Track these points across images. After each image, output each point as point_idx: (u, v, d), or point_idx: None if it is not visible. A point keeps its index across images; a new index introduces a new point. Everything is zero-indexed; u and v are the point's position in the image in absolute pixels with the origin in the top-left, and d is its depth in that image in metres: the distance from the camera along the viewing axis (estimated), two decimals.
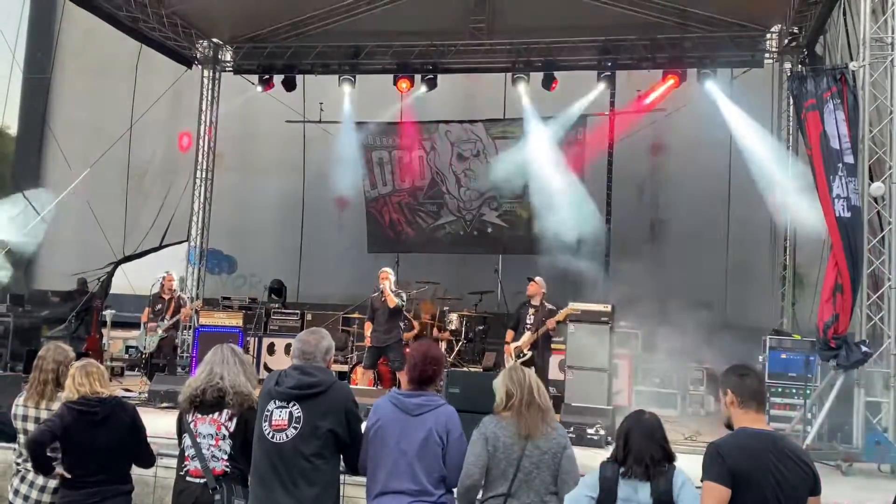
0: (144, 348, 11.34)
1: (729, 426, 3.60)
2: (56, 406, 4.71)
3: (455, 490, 4.10)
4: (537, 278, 10.46)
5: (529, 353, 10.01)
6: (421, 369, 4.15)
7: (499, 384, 4.26)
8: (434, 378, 4.22)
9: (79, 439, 4.41)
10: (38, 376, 4.80)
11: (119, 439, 4.47)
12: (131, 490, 4.64)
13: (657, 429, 3.76)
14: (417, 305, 12.69)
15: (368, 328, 10.71)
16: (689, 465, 3.80)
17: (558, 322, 10.13)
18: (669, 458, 3.74)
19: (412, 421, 4.02)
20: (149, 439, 4.68)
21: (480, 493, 4.12)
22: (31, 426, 4.72)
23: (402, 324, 10.97)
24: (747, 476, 3.35)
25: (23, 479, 4.72)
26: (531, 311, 10.26)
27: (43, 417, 4.70)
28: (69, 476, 4.43)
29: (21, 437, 4.78)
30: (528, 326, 10.17)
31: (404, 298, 10.70)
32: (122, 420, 4.49)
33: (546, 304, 10.27)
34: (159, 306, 11.44)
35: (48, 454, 4.44)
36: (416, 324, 12.10)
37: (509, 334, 10.35)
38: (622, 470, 3.68)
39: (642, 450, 3.67)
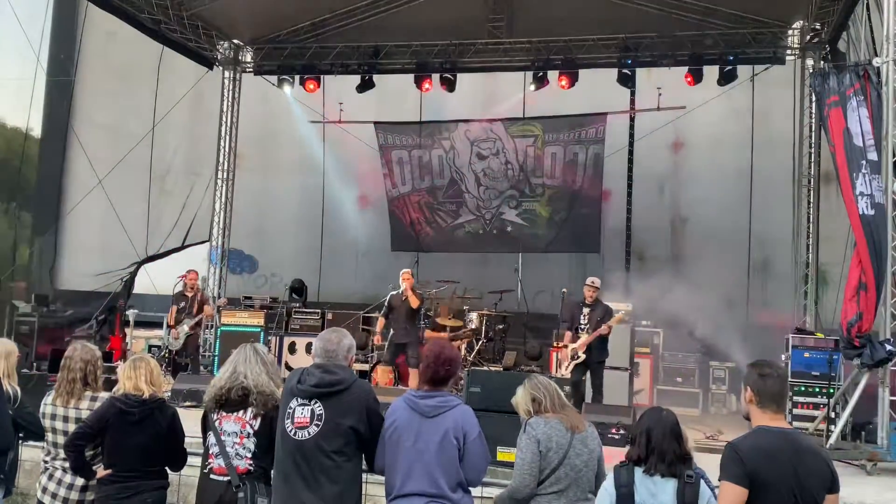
0: (171, 347, 11.45)
1: (748, 418, 3.62)
2: (84, 404, 4.78)
3: (478, 490, 4.12)
4: (594, 280, 10.14)
5: (583, 356, 9.72)
6: (434, 370, 4.09)
7: (520, 395, 4.30)
8: (448, 378, 4.14)
9: (115, 436, 4.49)
10: (66, 375, 4.84)
11: (153, 442, 4.53)
12: (166, 486, 4.70)
13: (676, 425, 3.75)
14: (437, 305, 12.71)
15: (381, 324, 10.97)
16: (711, 464, 3.78)
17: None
18: (688, 455, 3.74)
19: (428, 423, 3.98)
20: None
21: None
22: (59, 424, 4.79)
23: (420, 323, 11.23)
24: (765, 476, 3.34)
25: (51, 477, 4.79)
26: (585, 310, 9.90)
27: (72, 416, 4.76)
28: (109, 473, 4.50)
29: (49, 436, 4.85)
30: (583, 327, 9.86)
31: (423, 299, 11.04)
32: (158, 424, 4.54)
33: (602, 301, 10.03)
34: (183, 304, 11.54)
35: (86, 455, 4.54)
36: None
37: (567, 336, 9.93)
38: (644, 468, 3.67)
39: (664, 447, 3.66)
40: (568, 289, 11.72)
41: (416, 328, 10.92)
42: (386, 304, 10.98)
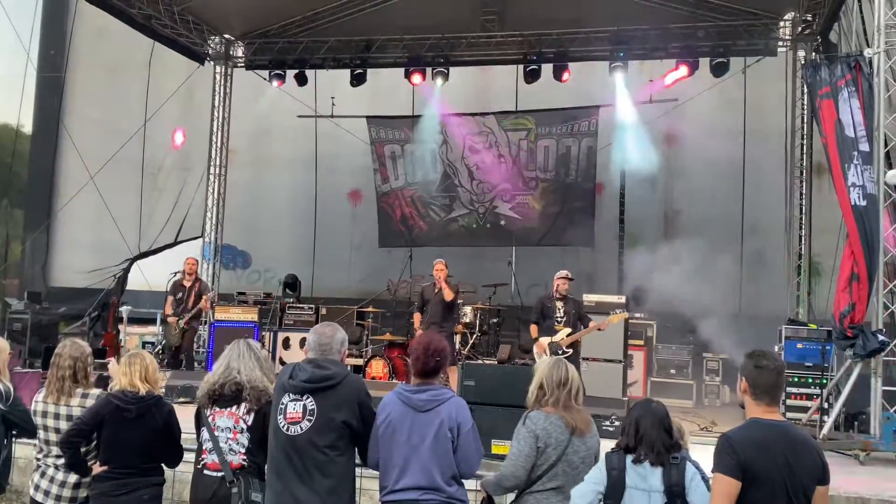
0: (169, 342, 11.39)
1: (743, 406, 3.66)
2: (75, 401, 4.75)
3: (468, 482, 4.11)
4: (568, 273, 9.95)
5: (570, 352, 9.44)
6: (424, 361, 4.09)
7: (539, 372, 4.23)
8: (439, 369, 4.14)
9: (111, 432, 4.46)
10: (55, 373, 4.81)
11: (149, 439, 4.50)
12: (161, 483, 4.68)
13: (665, 416, 3.81)
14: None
15: (418, 319, 10.36)
16: (704, 456, 3.81)
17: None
18: (676, 445, 3.77)
19: (422, 416, 3.99)
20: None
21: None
22: (50, 422, 4.77)
23: (457, 315, 10.73)
24: (757, 469, 3.36)
25: (43, 475, 4.76)
26: (559, 304, 9.70)
27: (63, 413, 4.74)
28: (105, 470, 4.48)
29: (41, 433, 4.83)
30: (560, 319, 9.66)
31: (458, 290, 10.41)
32: (154, 420, 4.51)
33: (569, 295, 9.83)
34: (180, 294, 11.46)
35: (82, 451, 4.53)
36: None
37: (534, 329, 9.72)
38: (633, 456, 3.71)
39: (653, 437, 3.72)
40: None
41: (451, 322, 10.29)
42: (419, 297, 10.44)
